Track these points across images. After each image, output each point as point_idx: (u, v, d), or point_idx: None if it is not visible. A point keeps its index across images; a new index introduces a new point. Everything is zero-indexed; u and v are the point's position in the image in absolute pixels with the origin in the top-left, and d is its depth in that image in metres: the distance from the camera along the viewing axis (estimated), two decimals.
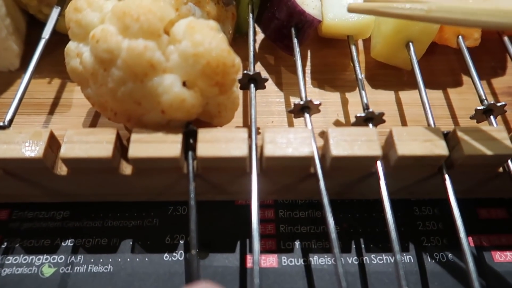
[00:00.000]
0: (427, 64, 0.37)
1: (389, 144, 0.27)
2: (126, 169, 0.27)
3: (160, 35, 0.24)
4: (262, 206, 0.32)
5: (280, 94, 0.36)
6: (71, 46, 0.26)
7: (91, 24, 0.25)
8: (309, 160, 0.26)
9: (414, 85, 0.36)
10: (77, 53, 0.26)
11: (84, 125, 0.33)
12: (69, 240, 0.29)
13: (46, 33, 0.31)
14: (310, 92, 0.36)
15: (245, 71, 0.29)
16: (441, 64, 0.38)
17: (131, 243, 0.29)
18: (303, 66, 0.38)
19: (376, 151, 0.25)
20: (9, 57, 0.35)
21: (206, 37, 0.24)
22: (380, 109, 0.29)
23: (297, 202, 0.32)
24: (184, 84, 0.25)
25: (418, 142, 0.26)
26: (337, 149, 0.25)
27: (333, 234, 0.24)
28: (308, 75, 0.37)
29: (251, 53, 0.31)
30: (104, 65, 0.24)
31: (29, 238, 0.30)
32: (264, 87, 0.31)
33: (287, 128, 0.27)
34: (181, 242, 0.30)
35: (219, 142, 0.26)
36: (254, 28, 0.34)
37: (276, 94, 0.36)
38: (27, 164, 0.25)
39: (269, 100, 0.35)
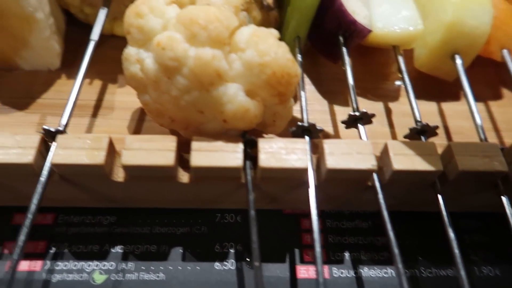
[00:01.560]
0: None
1: (447, 158, 0.27)
2: (183, 177, 0.27)
3: (225, 44, 0.24)
4: (307, 215, 0.32)
5: (323, 102, 0.36)
6: (131, 51, 0.26)
7: (153, 30, 0.25)
8: (369, 173, 0.26)
9: (455, 97, 0.37)
10: (137, 59, 0.25)
11: (129, 129, 0.33)
12: (118, 247, 0.29)
13: (95, 35, 0.31)
14: None
15: (300, 123, 0.28)
16: (480, 76, 0.38)
17: (181, 250, 0.29)
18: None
19: (437, 166, 0.26)
20: (50, 57, 0.34)
21: (271, 46, 0.24)
22: (422, 120, 0.29)
23: (343, 212, 0.32)
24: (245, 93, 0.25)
25: (477, 157, 0.26)
26: (398, 163, 0.25)
27: (395, 249, 0.24)
28: None
29: (303, 102, 0.29)
30: (168, 73, 0.24)
31: (77, 243, 0.29)
32: (318, 137, 0.28)
33: (346, 140, 0.27)
34: (231, 250, 0.29)
35: (280, 153, 0.26)
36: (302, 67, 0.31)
37: (319, 102, 0.36)
38: (87, 170, 0.25)
39: (313, 108, 0.35)
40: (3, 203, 0.30)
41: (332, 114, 0.35)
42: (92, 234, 0.30)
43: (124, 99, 0.34)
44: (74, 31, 0.37)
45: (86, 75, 0.36)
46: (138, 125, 0.33)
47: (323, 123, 0.34)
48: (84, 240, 0.29)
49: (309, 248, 0.30)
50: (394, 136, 0.34)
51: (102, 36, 0.36)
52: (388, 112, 0.35)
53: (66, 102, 0.28)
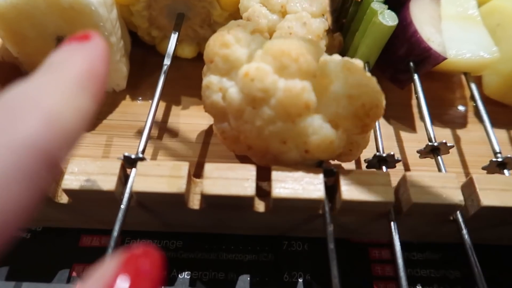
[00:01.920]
0: None
1: None
2: (259, 206, 0.27)
3: (315, 76, 0.24)
4: (377, 245, 0.31)
5: (389, 127, 0.35)
6: (213, 80, 0.26)
7: (238, 60, 0.25)
8: (454, 208, 0.25)
9: None
10: (220, 88, 0.25)
11: (194, 151, 0.33)
12: (186, 272, 0.29)
13: (168, 60, 0.31)
14: (419, 126, 0.35)
15: (377, 153, 0.28)
16: None
17: (248, 278, 0.29)
18: (409, 99, 0.37)
19: None
20: (118, 78, 0.34)
21: (362, 78, 0.24)
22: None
23: (412, 243, 0.31)
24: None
25: None
26: (486, 199, 0.25)
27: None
28: (415, 108, 0.36)
29: (378, 131, 0.30)
30: (254, 103, 0.24)
31: None
32: (395, 166, 0.29)
33: (429, 173, 0.26)
34: (300, 280, 0.29)
35: (362, 185, 0.25)
36: None
37: (385, 127, 0.35)
38: (166, 198, 0.25)
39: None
40: (71, 225, 0.30)
41: (399, 141, 0.34)
42: None
43: (188, 122, 0.34)
44: (137, 52, 0.37)
45: (150, 97, 0.36)
46: (204, 148, 0.33)
47: (390, 149, 0.33)
48: None
49: (380, 280, 0.29)
50: (465, 165, 0.33)
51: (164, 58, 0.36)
52: (457, 139, 0.34)
53: (143, 129, 0.28)
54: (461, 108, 0.37)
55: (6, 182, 0.12)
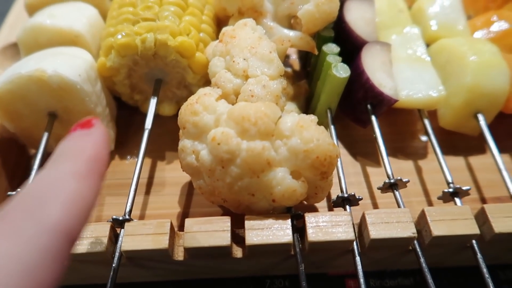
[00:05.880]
0: None
1: (482, 220, 0.28)
2: (237, 252, 0.30)
3: (273, 135, 0.27)
4: (351, 276, 0.33)
5: (356, 164, 0.38)
6: (187, 144, 0.29)
7: (207, 125, 0.28)
8: (410, 240, 0.28)
9: (482, 150, 0.39)
10: (193, 151, 0.29)
11: (180, 203, 0.36)
12: None
13: (148, 124, 0.34)
14: None
15: (340, 194, 0.31)
16: (500, 129, 0.40)
17: None
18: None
19: (473, 230, 0.27)
20: None
21: (314, 133, 0.27)
22: (452, 175, 0.32)
23: (385, 271, 0.34)
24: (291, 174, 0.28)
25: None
26: (437, 230, 0.28)
27: None
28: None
29: (341, 173, 0.32)
30: (223, 164, 0.27)
31: None
32: (357, 204, 0.31)
33: (385, 210, 0.29)
34: None
35: (326, 227, 0.28)
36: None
37: (352, 164, 0.38)
38: (152, 253, 0.28)
39: (346, 171, 0.37)
40: (70, 283, 0.33)
41: (366, 176, 0.37)
42: None
43: (173, 175, 0.38)
44: (122, 113, 0.41)
45: (134, 155, 0.39)
46: (188, 199, 0.36)
47: (358, 185, 0.37)
48: None
49: None
50: (426, 193, 0.36)
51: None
52: (419, 170, 0.37)
53: (129, 191, 0.31)
54: (423, 139, 0.40)
55: (40, 263, 0.15)
